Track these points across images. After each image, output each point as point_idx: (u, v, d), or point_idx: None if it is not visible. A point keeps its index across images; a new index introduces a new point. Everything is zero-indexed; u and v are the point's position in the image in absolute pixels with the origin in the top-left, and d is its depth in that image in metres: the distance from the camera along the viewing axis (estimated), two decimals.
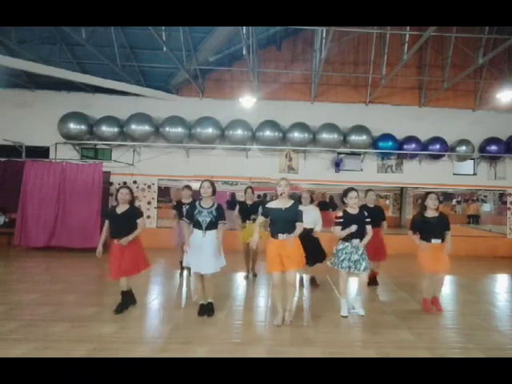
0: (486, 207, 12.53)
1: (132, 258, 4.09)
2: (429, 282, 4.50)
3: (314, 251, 5.02)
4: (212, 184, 4.11)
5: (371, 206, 5.42)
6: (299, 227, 3.80)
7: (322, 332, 3.75)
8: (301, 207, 5.01)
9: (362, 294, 4.58)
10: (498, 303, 5.24)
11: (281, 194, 3.82)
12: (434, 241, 4.33)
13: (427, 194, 4.44)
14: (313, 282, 5.64)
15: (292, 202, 3.90)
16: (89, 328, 3.67)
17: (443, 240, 4.36)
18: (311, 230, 5.19)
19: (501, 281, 7.00)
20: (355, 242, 4.21)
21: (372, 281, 5.58)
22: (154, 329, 3.80)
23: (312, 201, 5.59)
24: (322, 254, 5.36)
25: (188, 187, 6.01)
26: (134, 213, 4.17)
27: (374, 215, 4.84)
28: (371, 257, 4.65)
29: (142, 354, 3.11)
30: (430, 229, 4.35)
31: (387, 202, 15.46)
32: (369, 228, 4.27)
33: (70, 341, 3.35)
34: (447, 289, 6.26)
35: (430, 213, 4.38)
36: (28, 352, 3.07)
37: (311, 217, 5.13)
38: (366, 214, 4.32)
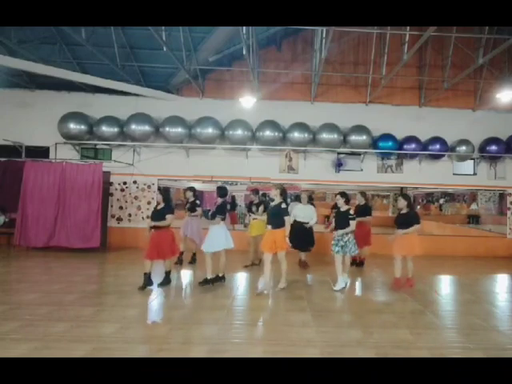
0: (474, 206, 14.89)
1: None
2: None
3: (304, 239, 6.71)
4: (217, 188, 5.54)
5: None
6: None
7: (322, 332, 3.76)
8: (299, 205, 7.03)
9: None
10: (498, 303, 5.24)
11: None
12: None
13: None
14: (304, 264, 7.00)
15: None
16: (89, 328, 3.67)
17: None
18: (305, 223, 6.73)
19: (501, 281, 7.01)
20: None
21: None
22: (154, 329, 3.80)
23: (310, 200, 7.04)
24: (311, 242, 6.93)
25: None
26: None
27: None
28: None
29: (142, 354, 3.11)
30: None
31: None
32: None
33: (70, 341, 3.34)
34: (447, 289, 6.28)
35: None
36: (28, 352, 3.07)
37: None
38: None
